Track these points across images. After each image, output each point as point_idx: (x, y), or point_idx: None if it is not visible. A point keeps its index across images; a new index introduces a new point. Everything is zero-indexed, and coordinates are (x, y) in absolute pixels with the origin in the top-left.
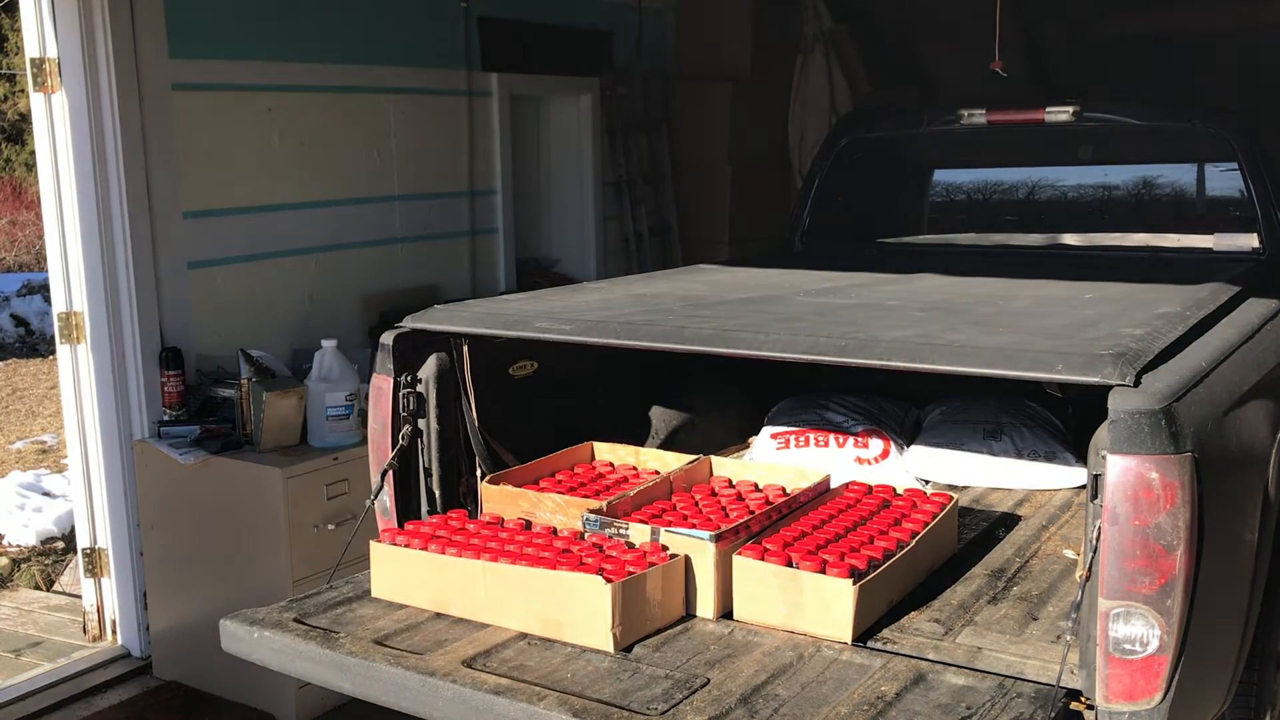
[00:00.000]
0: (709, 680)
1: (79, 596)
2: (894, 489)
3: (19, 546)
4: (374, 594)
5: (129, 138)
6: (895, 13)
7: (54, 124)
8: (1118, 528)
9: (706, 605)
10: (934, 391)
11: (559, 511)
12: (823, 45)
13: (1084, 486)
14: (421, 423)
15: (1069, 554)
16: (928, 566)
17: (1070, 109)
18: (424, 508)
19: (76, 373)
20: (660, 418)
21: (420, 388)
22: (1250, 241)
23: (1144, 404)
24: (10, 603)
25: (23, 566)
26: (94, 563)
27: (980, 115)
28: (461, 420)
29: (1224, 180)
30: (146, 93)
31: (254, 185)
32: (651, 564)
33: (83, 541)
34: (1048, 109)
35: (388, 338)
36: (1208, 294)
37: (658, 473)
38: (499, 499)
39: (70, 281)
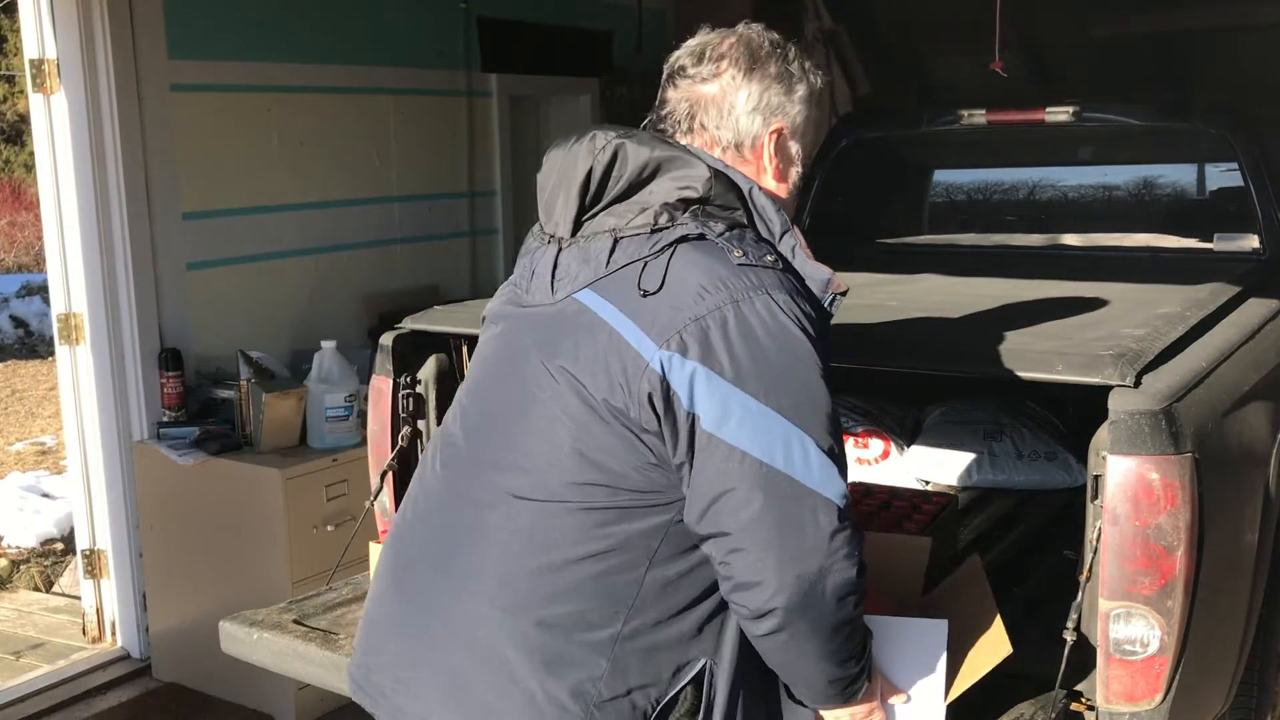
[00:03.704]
0: None
1: (78, 598)
2: (894, 490)
3: (18, 548)
4: None
5: (128, 139)
6: (895, 13)
7: (53, 125)
8: (1118, 528)
9: None
10: (934, 392)
11: None
12: (823, 45)
13: (1084, 487)
14: (421, 424)
15: (1069, 554)
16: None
17: (1070, 109)
18: None
19: (75, 374)
20: None
21: (420, 389)
22: (1250, 242)
23: (1144, 404)
24: (10, 604)
25: (22, 568)
26: (93, 564)
27: (980, 115)
28: None
29: (1224, 180)
30: (145, 94)
31: (253, 186)
32: None
33: (82, 543)
34: (1048, 109)
35: (387, 339)
36: (1208, 294)
37: None
38: None
39: (69, 283)
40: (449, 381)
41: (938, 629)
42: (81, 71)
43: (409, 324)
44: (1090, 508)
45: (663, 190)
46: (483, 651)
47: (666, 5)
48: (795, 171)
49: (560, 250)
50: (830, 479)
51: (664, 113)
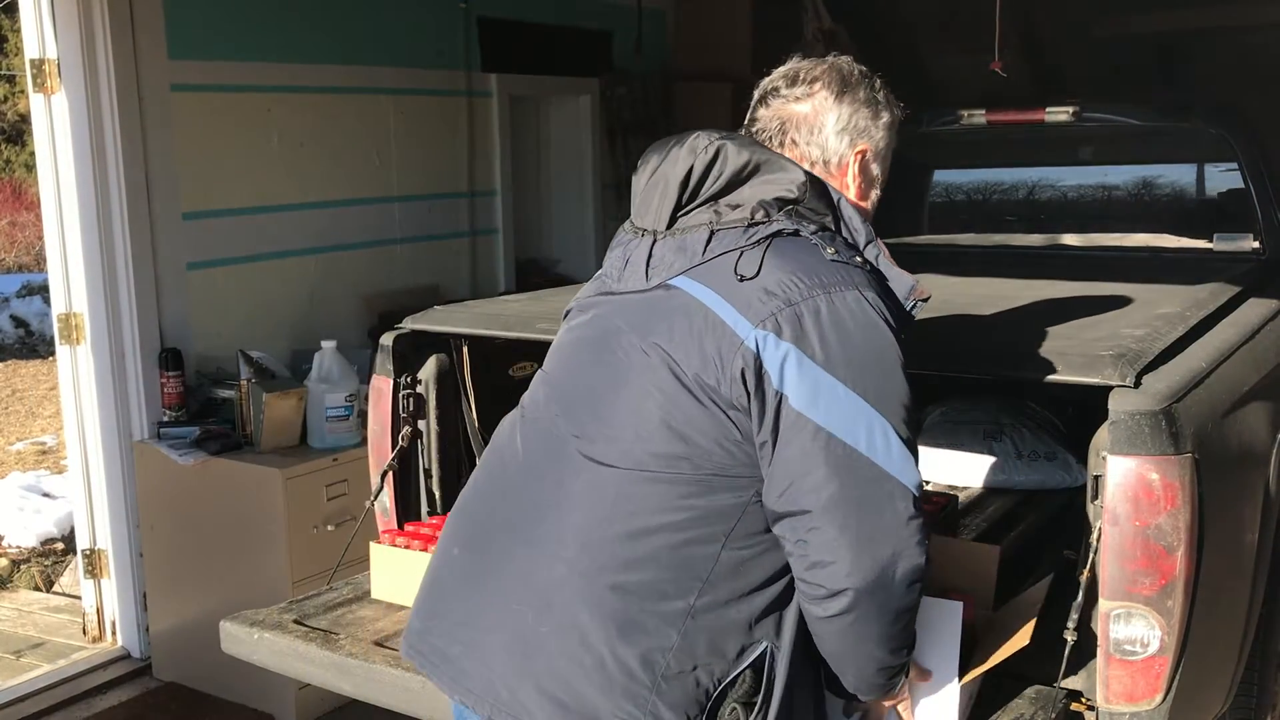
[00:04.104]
0: None
1: (79, 598)
2: None
3: (19, 548)
4: (374, 595)
5: (128, 139)
6: (895, 13)
7: (53, 125)
8: (1118, 528)
9: None
10: (934, 392)
11: None
12: (822, 45)
13: (1084, 487)
14: (421, 424)
15: (1069, 554)
16: None
17: (1070, 109)
18: (424, 509)
19: (76, 374)
20: None
21: (420, 389)
22: (1250, 242)
23: (1144, 405)
24: (10, 604)
25: (22, 568)
26: (94, 564)
27: (980, 115)
28: (461, 421)
29: (1224, 180)
30: (146, 94)
31: (253, 186)
32: None
33: (82, 543)
34: (1048, 109)
35: (387, 339)
36: (1208, 294)
37: None
38: None
39: (70, 282)
40: (449, 381)
41: (953, 610)
42: (82, 71)
43: (409, 324)
44: (1090, 508)
45: (759, 190)
46: (557, 615)
47: (666, 5)
48: (875, 193)
49: (655, 242)
50: (908, 467)
51: (754, 130)
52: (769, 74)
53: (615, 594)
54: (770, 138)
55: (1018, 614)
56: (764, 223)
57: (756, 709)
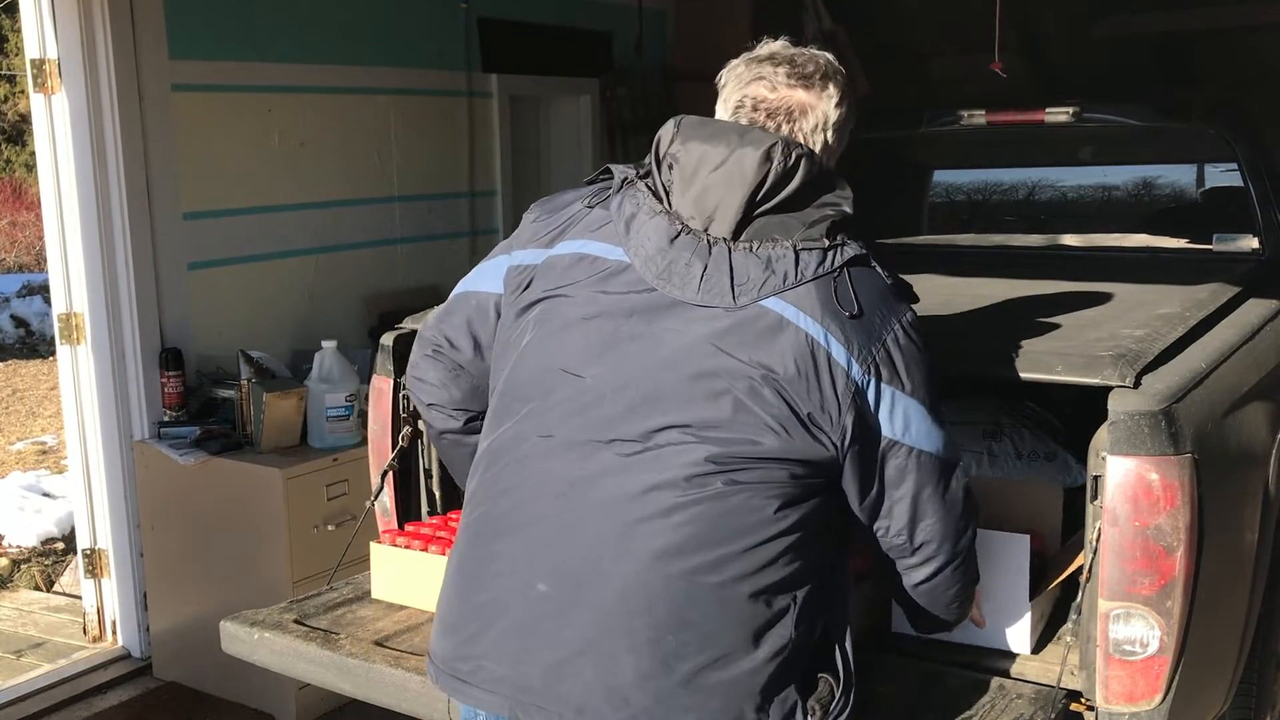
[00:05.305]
0: None
1: (79, 597)
2: None
3: (19, 547)
4: (374, 595)
5: (129, 139)
6: (895, 13)
7: (54, 125)
8: (1118, 529)
9: None
10: None
11: None
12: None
13: (1084, 487)
14: (421, 424)
15: None
16: None
17: (1070, 109)
18: (424, 509)
19: (76, 374)
20: None
21: None
22: (1249, 242)
23: (1144, 405)
24: (10, 604)
25: (23, 567)
26: (94, 564)
27: (980, 115)
28: None
29: (1224, 181)
30: (146, 94)
31: (254, 186)
32: None
33: (83, 542)
34: (1048, 109)
35: (387, 339)
36: (1207, 295)
37: None
38: None
39: (70, 282)
40: None
41: (1023, 542)
42: (82, 71)
43: (409, 324)
44: (1090, 508)
45: (824, 204)
46: (700, 630)
47: (666, 5)
48: None
49: (731, 251)
50: (953, 444)
51: (747, 106)
52: (752, 48)
53: (751, 602)
54: (776, 124)
55: (1074, 549)
56: (838, 245)
57: (841, 677)
